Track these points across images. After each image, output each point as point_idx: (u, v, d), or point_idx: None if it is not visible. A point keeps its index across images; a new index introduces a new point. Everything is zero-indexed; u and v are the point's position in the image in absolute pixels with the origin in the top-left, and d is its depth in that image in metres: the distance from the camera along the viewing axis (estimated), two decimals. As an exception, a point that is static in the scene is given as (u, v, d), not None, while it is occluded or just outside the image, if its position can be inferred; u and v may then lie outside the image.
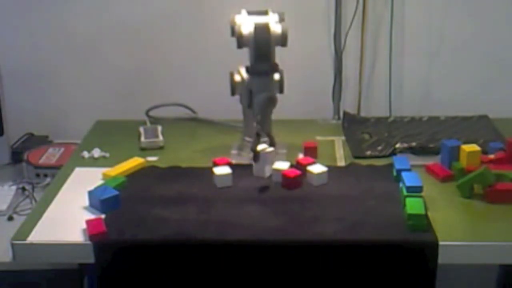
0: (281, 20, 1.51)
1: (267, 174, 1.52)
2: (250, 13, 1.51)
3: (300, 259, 1.28)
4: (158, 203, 1.41)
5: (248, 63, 1.52)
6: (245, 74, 1.53)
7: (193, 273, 1.30)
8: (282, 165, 1.51)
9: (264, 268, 1.29)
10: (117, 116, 1.90)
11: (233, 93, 1.55)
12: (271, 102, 1.48)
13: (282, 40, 1.48)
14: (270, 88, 1.50)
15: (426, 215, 1.31)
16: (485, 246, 1.27)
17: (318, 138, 1.73)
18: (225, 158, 1.55)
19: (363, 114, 1.95)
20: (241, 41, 1.47)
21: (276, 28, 1.48)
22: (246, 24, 1.48)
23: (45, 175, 1.69)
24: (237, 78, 1.55)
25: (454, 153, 1.52)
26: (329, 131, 1.81)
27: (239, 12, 1.52)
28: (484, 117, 1.84)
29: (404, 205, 1.35)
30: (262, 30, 1.47)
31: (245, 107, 1.61)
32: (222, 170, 1.49)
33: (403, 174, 1.43)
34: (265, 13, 1.51)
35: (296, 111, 1.93)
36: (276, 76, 1.53)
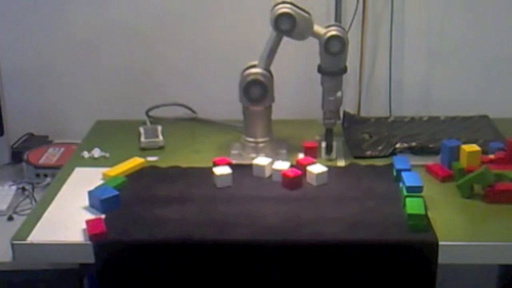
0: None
1: (267, 174, 1.52)
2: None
3: (300, 259, 1.28)
4: (158, 203, 1.41)
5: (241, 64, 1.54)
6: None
7: (193, 273, 1.30)
8: (282, 165, 1.51)
9: (264, 268, 1.29)
10: (117, 116, 1.90)
11: (264, 96, 1.57)
12: (339, 103, 1.61)
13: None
14: (339, 87, 1.60)
15: (426, 215, 1.31)
16: (485, 246, 1.27)
17: (318, 138, 1.73)
18: (225, 158, 1.55)
19: (363, 114, 1.95)
20: (343, 48, 1.52)
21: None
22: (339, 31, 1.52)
23: (45, 175, 1.69)
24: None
25: (454, 153, 1.52)
26: (329, 131, 1.80)
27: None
28: (484, 117, 1.84)
29: (404, 205, 1.35)
30: (339, 34, 1.52)
31: (245, 107, 1.61)
32: (222, 170, 1.49)
33: (403, 174, 1.43)
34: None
35: (296, 111, 1.93)
36: None
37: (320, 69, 1.58)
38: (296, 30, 1.53)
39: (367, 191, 1.45)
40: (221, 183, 1.48)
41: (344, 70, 1.58)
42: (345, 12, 1.88)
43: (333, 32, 1.52)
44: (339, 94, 1.59)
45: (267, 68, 1.58)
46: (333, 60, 1.55)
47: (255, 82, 1.56)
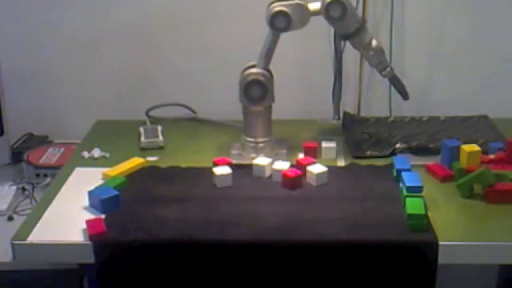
0: None
1: (267, 174, 1.52)
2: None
3: (300, 259, 1.28)
4: (158, 203, 1.41)
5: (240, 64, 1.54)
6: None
7: (193, 273, 1.30)
8: (282, 165, 1.51)
9: (264, 268, 1.29)
10: (117, 116, 1.90)
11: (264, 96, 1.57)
12: (381, 52, 1.60)
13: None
14: (371, 37, 1.60)
15: (426, 215, 1.31)
16: (485, 246, 1.27)
17: (318, 138, 1.73)
18: (225, 158, 1.55)
19: (363, 114, 1.95)
20: (345, 10, 1.52)
21: None
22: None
23: (45, 175, 1.69)
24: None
25: (454, 153, 1.52)
26: (329, 131, 1.80)
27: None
28: (484, 117, 1.84)
29: (404, 205, 1.35)
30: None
31: (245, 107, 1.61)
32: (222, 170, 1.49)
33: (403, 174, 1.43)
34: None
35: (296, 111, 1.93)
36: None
37: (343, 37, 1.59)
38: (292, 25, 1.53)
39: (367, 191, 1.45)
40: (221, 183, 1.48)
41: (363, 22, 1.58)
42: (345, 12, 1.88)
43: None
44: (374, 43, 1.58)
45: (266, 68, 1.58)
46: (344, 23, 1.55)
47: (255, 82, 1.56)
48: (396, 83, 1.63)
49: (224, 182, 1.48)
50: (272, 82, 1.59)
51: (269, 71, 1.59)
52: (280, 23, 1.53)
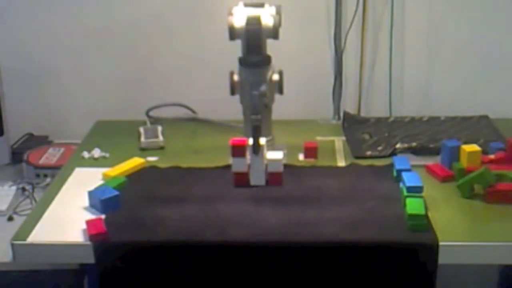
0: (278, 13, 1.50)
1: (263, 182, 1.51)
2: (246, 5, 1.52)
3: (300, 259, 1.28)
4: (158, 203, 1.41)
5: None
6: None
7: (193, 273, 1.30)
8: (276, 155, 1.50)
9: (264, 269, 1.29)
10: (117, 116, 1.90)
11: (232, 92, 1.55)
12: (263, 97, 1.48)
13: (274, 32, 1.48)
14: (263, 80, 1.50)
15: (426, 215, 1.31)
16: (485, 246, 1.27)
17: (318, 138, 1.73)
18: (242, 138, 1.49)
19: (363, 114, 1.95)
20: (233, 33, 1.48)
21: (268, 20, 1.48)
22: (239, 16, 1.48)
23: (45, 175, 1.69)
24: (236, 77, 1.55)
25: (455, 153, 1.52)
26: (329, 131, 1.81)
27: (236, 5, 1.53)
28: (484, 117, 1.84)
29: (405, 205, 1.35)
30: (253, 22, 1.47)
31: (245, 107, 1.60)
32: (274, 155, 1.47)
33: (404, 174, 1.43)
34: (261, 5, 1.51)
35: (296, 111, 1.93)
36: (275, 77, 1.53)
37: (240, 61, 1.53)
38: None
39: (367, 191, 1.45)
40: (273, 168, 1.47)
41: (266, 60, 1.49)
42: (345, 12, 1.88)
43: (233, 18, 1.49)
44: (263, 87, 1.49)
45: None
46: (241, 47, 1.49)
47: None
48: (257, 134, 1.45)
49: (276, 167, 1.47)
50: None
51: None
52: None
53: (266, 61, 1.51)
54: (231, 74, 1.54)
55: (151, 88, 1.97)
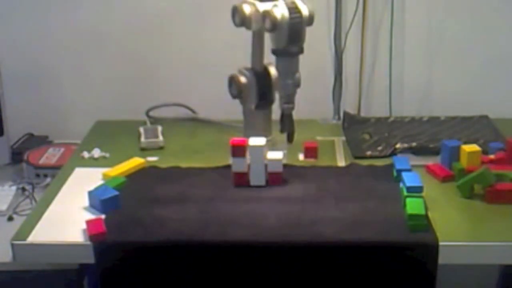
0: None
1: (263, 182, 1.51)
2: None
3: (300, 259, 1.28)
4: (158, 203, 1.41)
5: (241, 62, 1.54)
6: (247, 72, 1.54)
7: (193, 273, 1.30)
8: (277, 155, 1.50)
9: (264, 269, 1.29)
10: (117, 116, 1.90)
11: (239, 96, 1.55)
12: (296, 86, 1.53)
13: (311, 20, 1.49)
14: (296, 69, 1.52)
15: (426, 215, 1.31)
16: (485, 246, 1.27)
17: (318, 138, 1.73)
18: (242, 138, 1.51)
19: (363, 114, 1.95)
20: (275, 24, 1.46)
21: (304, 9, 1.48)
22: (278, 7, 1.47)
23: (45, 175, 1.69)
24: (243, 79, 1.55)
25: (455, 153, 1.52)
26: (329, 131, 1.81)
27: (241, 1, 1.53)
28: (484, 117, 1.84)
29: (404, 205, 1.34)
30: (296, 12, 1.47)
31: (245, 107, 1.61)
32: (274, 155, 1.47)
33: (404, 174, 1.43)
34: None
35: (296, 111, 1.92)
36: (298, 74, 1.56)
37: (272, 51, 1.53)
38: (248, 23, 1.51)
39: (367, 191, 1.45)
40: (272, 168, 1.47)
41: (300, 50, 1.51)
42: (345, 12, 1.88)
43: (267, 8, 1.49)
44: (297, 75, 1.52)
45: (260, 67, 1.57)
46: (275, 36, 1.50)
47: (233, 79, 1.56)
48: (289, 121, 1.55)
49: (276, 167, 1.47)
50: (270, 82, 1.59)
51: (267, 71, 1.58)
52: (236, 19, 1.53)
53: (301, 50, 1.52)
54: (235, 77, 1.54)
55: (151, 88, 1.97)
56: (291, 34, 1.48)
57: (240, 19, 1.52)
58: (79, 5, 1.90)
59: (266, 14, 1.47)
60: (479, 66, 1.93)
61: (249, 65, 1.59)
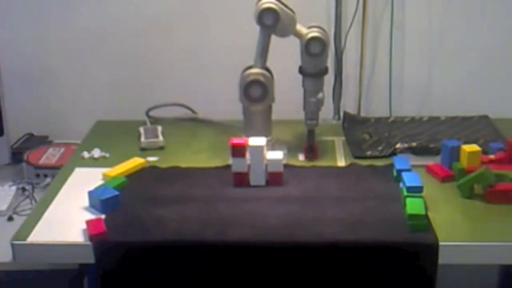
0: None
1: (263, 182, 1.51)
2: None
3: (301, 259, 1.28)
4: (158, 203, 1.41)
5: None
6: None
7: (193, 273, 1.30)
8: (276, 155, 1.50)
9: (264, 269, 1.29)
10: (117, 116, 1.90)
11: (262, 97, 1.58)
12: (320, 104, 1.61)
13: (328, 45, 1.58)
14: (320, 89, 1.60)
15: (426, 215, 1.31)
16: (485, 246, 1.27)
17: (318, 138, 1.73)
18: (242, 138, 1.52)
19: (363, 114, 1.95)
20: (324, 50, 1.54)
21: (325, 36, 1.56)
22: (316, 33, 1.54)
23: (45, 175, 1.69)
24: (266, 80, 1.57)
25: (455, 153, 1.52)
26: (329, 131, 1.81)
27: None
28: (484, 117, 1.84)
29: (404, 205, 1.35)
30: (320, 39, 1.54)
31: (245, 107, 1.61)
32: (274, 155, 1.48)
33: (403, 174, 1.43)
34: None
35: (296, 111, 1.93)
36: (321, 95, 1.61)
37: (301, 71, 1.59)
38: (279, 25, 1.54)
39: (367, 191, 1.45)
40: (273, 167, 1.47)
41: (325, 71, 1.58)
42: (345, 12, 1.88)
43: (314, 34, 1.53)
44: (320, 95, 1.59)
45: (264, 67, 1.58)
46: (313, 62, 1.56)
47: (255, 82, 1.56)
48: (311, 137, 1.62)
49: (276, 167, 1.47)
50: (272, 82, 1.59)
51: (268, 70, 1.59)
52: (268, 19, 1.54)
53: (325, 71, 1.58)
54: (259, 79, 1.57)
55: (151, 88, 1.97)
56: (315, 58, 1.55)
57: (273, 20, 1.53)
58: (79, 5, 1.90)
59: (315, 39, 1.53)
60: (479, 66, 1.93)
61: (248, 65, 1.59)
